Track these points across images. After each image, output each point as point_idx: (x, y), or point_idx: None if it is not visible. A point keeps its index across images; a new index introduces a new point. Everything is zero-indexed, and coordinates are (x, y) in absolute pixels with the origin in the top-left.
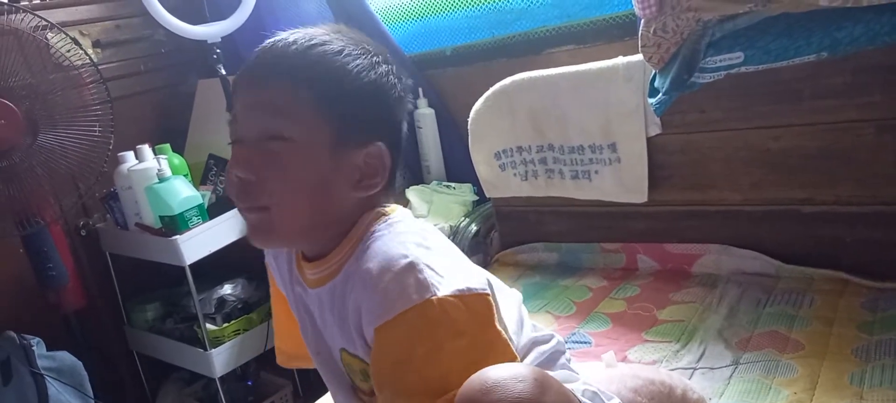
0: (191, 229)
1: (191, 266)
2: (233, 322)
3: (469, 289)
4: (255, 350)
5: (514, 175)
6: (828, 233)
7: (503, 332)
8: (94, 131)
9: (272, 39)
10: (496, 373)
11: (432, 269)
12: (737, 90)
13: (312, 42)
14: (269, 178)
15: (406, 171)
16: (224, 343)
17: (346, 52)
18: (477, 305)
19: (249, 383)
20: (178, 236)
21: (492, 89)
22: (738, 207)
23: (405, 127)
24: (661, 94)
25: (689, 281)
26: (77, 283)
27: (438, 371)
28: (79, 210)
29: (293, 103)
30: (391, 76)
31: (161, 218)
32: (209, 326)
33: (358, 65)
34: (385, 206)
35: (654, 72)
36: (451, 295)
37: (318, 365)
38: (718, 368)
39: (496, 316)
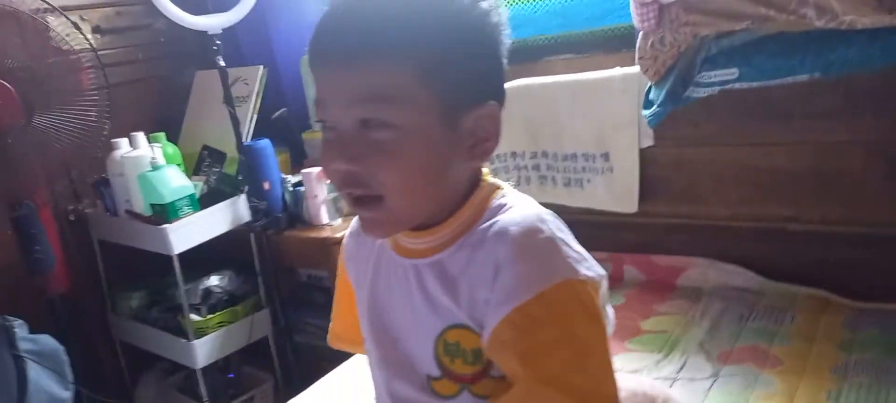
0: (181, 218)
1: (179, 255)
2: (217, 313)
3: (594, 278)
4: (238, 343)
5: (507, 179)
6: (812, 252)
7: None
8: (90, 116)
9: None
10: None
11: (570, 248)
12: (730, 106)
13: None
14: (379, 169)
15: None
16: (207, 334)
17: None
18: (599, 294)
19: (231, 376)
20: (167, 225)
21: None
22: (726, 222)
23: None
24: (655, 107)
25: (673, 293)
26: (63, 267)
27: (577, 355)
28: (69, 194)
29: (394, 84)
30: (493, 11)
31: (152, 206)
32: (193, 317)
33: (457, 9)
34: (490, 177)
35: (649, 84)
36: (585, 279)
37: (377, 348)
38: (699, 380)
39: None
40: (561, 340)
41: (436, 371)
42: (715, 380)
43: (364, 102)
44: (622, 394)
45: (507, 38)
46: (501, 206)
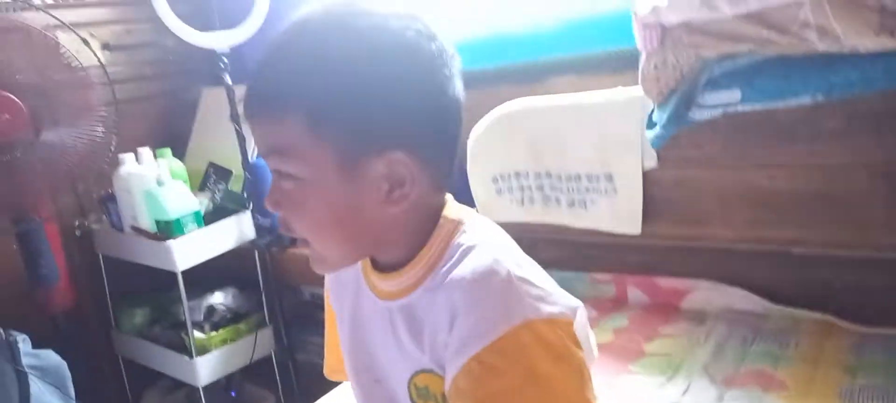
0: (186, 235)
1: (183, 272)
2: (221, 331)
3: (561, 313)
4: (241, 361)
5: (511, 200)
6: (816, 275)
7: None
8: (97, 132)
9: (269, 47)
10: None
11: (531, 285)
12: (733, 128)
13: (303, 46)
14: (292, 217)
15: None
16: (210, 351)
17: (344, 48)
18: (569, 329)
19: (233, 394)
20: (172, 241)
21: (492, 113)
22: (730, 245)
23: (452, 100)
24: (658, 128)
25: (677, 316)
26: (67, 283)
27: (540, 398)
28: (75, 209)
29: (286, 137)
30: (416, 51)
31: (157, 222)
32: (196, 334)
33: (358, 64)
34: (454, 210)
35: (653, 106)
36: (548, 318)
37: (359, 387)
38: None
39: (584, 343)
40: (521, 386)
41: None
42: None
43: (268, 155)
44: None
45: (445, 73)
46: (461, 246)
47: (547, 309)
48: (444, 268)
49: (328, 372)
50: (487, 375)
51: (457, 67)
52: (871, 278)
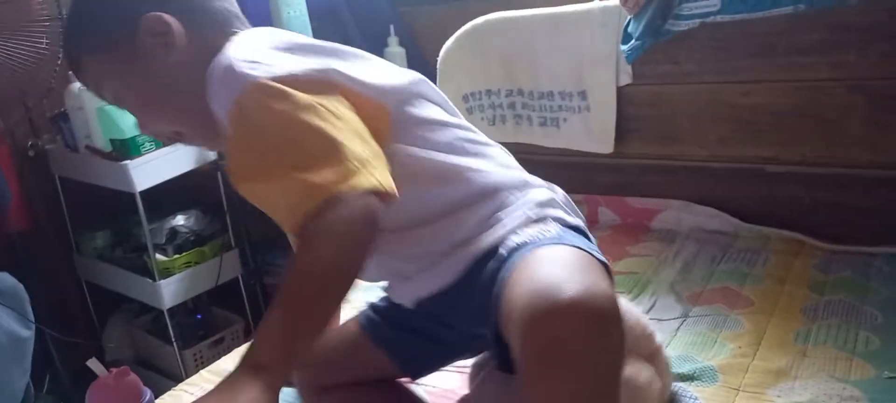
0: (143, 155)
1: (143, 193)
2: (184, 254)
3: (291, 74)
4: (206, 284)
5: (482, 119)
6: (788, 194)
7: (334, 111)
8: (41, 44)
9: None
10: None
11: (248, 62)
12: (711, 42)
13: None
14: (146, 125)
15: None
16: (174, 274)
17: None
18: (297, 84)
19: (199, 317)
20: (129, 161)
21: (463, 28)
22: (703, 163)
23: None
24: (633, 40)
25: (647, 236)
26: (21, 204)
27: (268, 145)
28: (27, 129)
29: (90, 76)
30: None
31: (112, 141)
32: (159, 257)
33: None
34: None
35: (628, 18)
36: (264, 79)
37: None
38: (667, 320)
39: (330, 98)
40: (248, 138)
41: None
42: (684, 321)
43: (98, 96)
44: None
45: None
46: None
47: (264, 74)
48: None
49: None
50: (238, 126)
51: None
52: (844, 195)
